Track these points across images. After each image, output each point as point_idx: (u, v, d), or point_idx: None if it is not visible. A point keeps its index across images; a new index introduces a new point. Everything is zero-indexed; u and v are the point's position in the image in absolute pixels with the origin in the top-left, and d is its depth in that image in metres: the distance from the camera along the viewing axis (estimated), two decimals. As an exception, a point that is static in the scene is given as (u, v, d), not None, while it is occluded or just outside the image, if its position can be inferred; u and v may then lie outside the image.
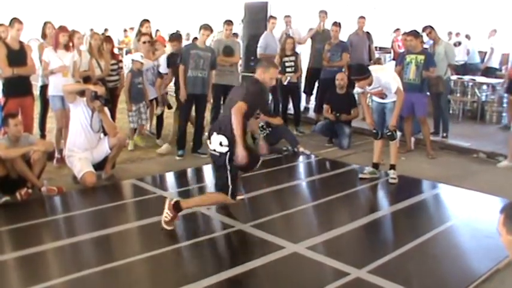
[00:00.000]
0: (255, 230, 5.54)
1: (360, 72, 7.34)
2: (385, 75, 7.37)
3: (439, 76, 9.47)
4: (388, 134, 7.46)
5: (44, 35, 8.61)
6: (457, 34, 15.57)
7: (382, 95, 7.45)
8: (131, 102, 8.85)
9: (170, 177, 7.75)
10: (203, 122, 8.99)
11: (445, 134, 9.85)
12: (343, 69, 10.50)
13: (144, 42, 9.00)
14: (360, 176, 7.71)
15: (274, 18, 11.02)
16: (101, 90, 7.00)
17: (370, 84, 7.30)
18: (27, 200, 6.27)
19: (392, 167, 7.59)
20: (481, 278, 4.66)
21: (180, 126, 8.77)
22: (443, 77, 9.64)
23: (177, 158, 8.54)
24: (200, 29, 8.59)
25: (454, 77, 11.69)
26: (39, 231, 5.61)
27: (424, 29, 9.88)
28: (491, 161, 8.78)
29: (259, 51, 10.70)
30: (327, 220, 6.23)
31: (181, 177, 7.88)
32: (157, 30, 18.24)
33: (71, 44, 7.86)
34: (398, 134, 9.66)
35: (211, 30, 8.76)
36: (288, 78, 9.93)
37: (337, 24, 10.71)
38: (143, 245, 5.35)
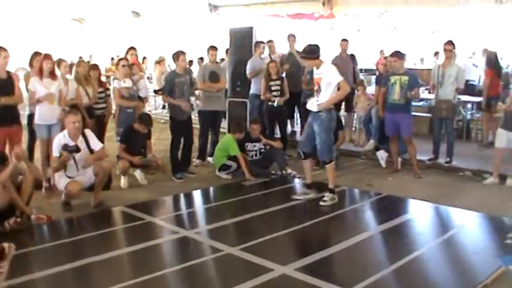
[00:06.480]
0: (243, 253, 5.56)
1: (309, 52, 7.40)
2: (332, 68, 7.43)
3: (449, 100, 9.32)
4: None
5: (31, 65, 8.65)
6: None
7: (318, 89, 7.36)
8: (120, 127, 8.91)
9: (159, 204, 7.75)
10: (192, 145, 9.22)
11: (448, 159, 9.58)
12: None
13: (124, 66, 9.11)
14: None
15: (262, 43, 11.13)
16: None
17: (317, 68, 7.36)
18: (16, 229, 6.26)
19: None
20: (468, 294, 4.71)
21: (172, 151, 8.94)
22: (453, 101, 9.42)
23: (178, 181, 8.72)
24: (178, 56, 8.82)
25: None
26: (29, 259, 5.57)
27: (446, 44, 9.45)
28: (477, 179, 8.84)
29: (247, 74, 10.79)
30: (315, 242, 6.26)
31: (170, 203, 7.90)
32: (144, 57, 18.35)
33: (56, 72, 7.91)
34: (381, 153, 9.77)
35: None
36: (276, 101, 9.98)
37: None
38: (132, 271, 5.36)
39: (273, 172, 9.13)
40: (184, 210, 7.77)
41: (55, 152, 7.00)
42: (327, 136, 7.38)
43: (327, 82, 7.23)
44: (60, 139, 7.02)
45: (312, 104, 7.41)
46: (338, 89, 7.30)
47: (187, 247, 5.98)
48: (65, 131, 7.12)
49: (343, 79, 7.31)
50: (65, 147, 6.91)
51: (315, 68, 7.47)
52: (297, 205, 7.68)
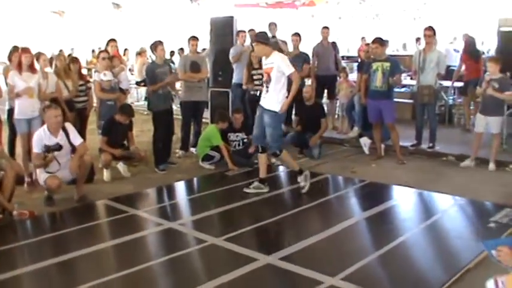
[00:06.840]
0: (228, 243, 5.56)
1: (262, 37, 7.36)
2: (284, 58, 7.30)
3: (431, 86, 9.31)
4: None
5: (10, 59, 8.55)
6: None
7: (268, 79, 7.23)
8: (101, 120, 8.85)
9: (143, 196, 7.71)
10: (173, 136, 9.21)
11: (431, 144, 9.64)
12: (308, 81, 10.60)
13: (104, 59, 9.05)
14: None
15: (244, 32, 11.09)
16: None
17: (267, 56, 7.25)
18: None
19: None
20: (452, 278, 4.73)
21: (154, 143, 8.88)
22: (434, 86, 9.41)
23: (161, 172, 8.66)
24: (156, 46, 8.73)
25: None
26: (12, 255, 5.54)
27: (426, 29, 9.44)
28: (460, 164, 8.87)
29: (231, 58, 10.75)
30: (299, 230, 6.25)
31: (154, 195, 7.85)
32: (125, 49, 18.26)
33: (35, 66, 7.82)
34: (364, 140, 9.79)
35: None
36: (258, 90, 9.93)
37: (296, 35, 10.77)
38: (117, 264, 5.35)
39: (256, 162, 9.10)
40: (168, 201, 7.72)
41: (35, 148, 6.92)
42: (276, 127, 7.35)
43: (280, 72, 7.08)
44: (40, 135, 6.94)
45: (267, 102, 7.28)
46: (290, 80, 7.18)
47: (171, 239, 5.96)
48: (45, 126, 7.03)
49: (295, 70, 7.23)
50: (47, 148, 6.85)
51: (263, 58, 7.35)
52: (280, 194, 7.72)
